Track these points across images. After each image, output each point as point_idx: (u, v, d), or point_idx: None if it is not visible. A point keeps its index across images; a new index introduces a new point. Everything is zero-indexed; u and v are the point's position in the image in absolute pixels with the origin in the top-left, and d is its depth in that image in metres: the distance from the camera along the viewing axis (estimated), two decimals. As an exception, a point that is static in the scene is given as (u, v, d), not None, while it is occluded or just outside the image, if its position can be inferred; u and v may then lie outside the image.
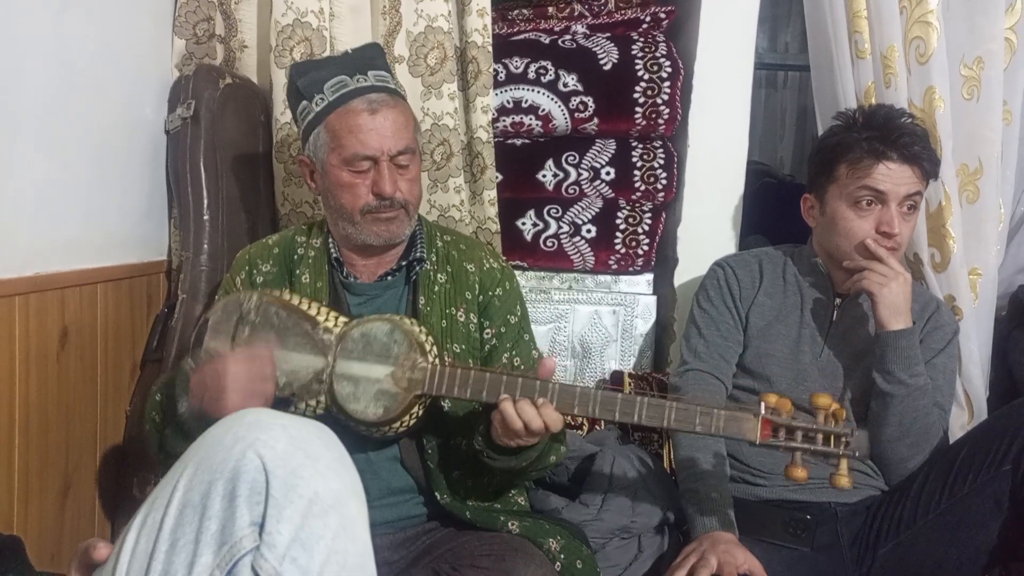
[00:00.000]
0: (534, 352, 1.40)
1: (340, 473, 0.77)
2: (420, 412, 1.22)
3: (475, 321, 1.35)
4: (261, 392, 1.14)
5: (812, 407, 1.14)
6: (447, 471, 1.29)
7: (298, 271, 1.35)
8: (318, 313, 1.24)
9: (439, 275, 1.36)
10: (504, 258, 1.51)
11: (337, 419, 1.20)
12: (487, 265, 1.39)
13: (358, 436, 1.23)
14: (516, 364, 1.35)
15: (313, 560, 0.70)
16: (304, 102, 1.31)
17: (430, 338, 1.23)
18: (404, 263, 1.35)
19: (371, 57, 1.34)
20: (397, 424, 1.20)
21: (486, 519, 1.26)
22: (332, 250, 1.35)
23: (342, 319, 1.24)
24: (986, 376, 1.77)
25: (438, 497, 1.27)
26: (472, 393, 1.17)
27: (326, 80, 1.28)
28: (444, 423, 1.30)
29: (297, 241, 1.39)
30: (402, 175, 1.30)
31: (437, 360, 1.20)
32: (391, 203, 1.28)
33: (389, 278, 1.36)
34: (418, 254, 1.35)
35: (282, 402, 1.18)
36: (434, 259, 1.37)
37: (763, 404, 1.12)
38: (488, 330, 1.35)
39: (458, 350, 1.32)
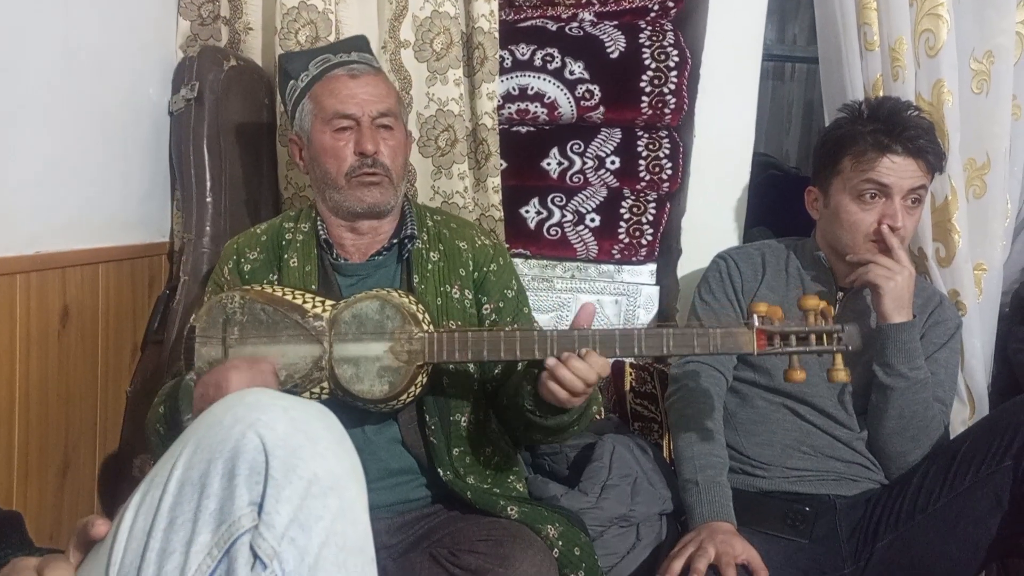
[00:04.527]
0: (535, 325, 1.42)
1: (340, 455, 0.77)
2: (424, 380, 1.22)
3: (470, 298, 1.36)
4: None
5: (800, 309, 1.17)
6: (449, 448, 1.29)
7: (286, 256, 1.34)
8: (304, 301, 1.23)
9: (432, 253, 1.36)
10: (496, 235, 1.50)
11: (344, 402, 1.20)
12: (479, 242, 1.40)
13: (357, 417, 1.24)
14: None
15: (311, 541, 0.70)
16: (291, 82, 1.36)
17: (420, 306, 1.23)
18: (395, 241, 1.36)
19: (356, 43, 1.40)
20: (404, 396, 1.21)
21: (486, 501, 1.26)
22: (321, 231, 1.35)
23: (329, 303, 1.23)
24: (988, 371, 1.77)
25: (441, 474, 1.27)
26: (473, 354, 1.18)
27: (311, 59, 1.35)
28: (445, 398, 1.30)
29: (285, 227, 1.39)
30: (385, 139, 1.32)
31: (431, 327, 1.21)
32: (373, 163, 1.30)
33: (379, 257, 1.36)
34: (410, 231, 1.36)
35: None
36: (426, 238, 1.37)
37: (755, 315, 1.16)
38: (487, 306, 1.36)
39: (454, 327, 1.32)
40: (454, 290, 1.34)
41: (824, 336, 1.16)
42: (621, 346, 1.16)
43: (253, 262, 1.36)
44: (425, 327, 1.20)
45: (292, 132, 1.38)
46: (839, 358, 1.16)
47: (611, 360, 1.17)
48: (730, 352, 1.17)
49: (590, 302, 1.20)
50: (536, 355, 1.16)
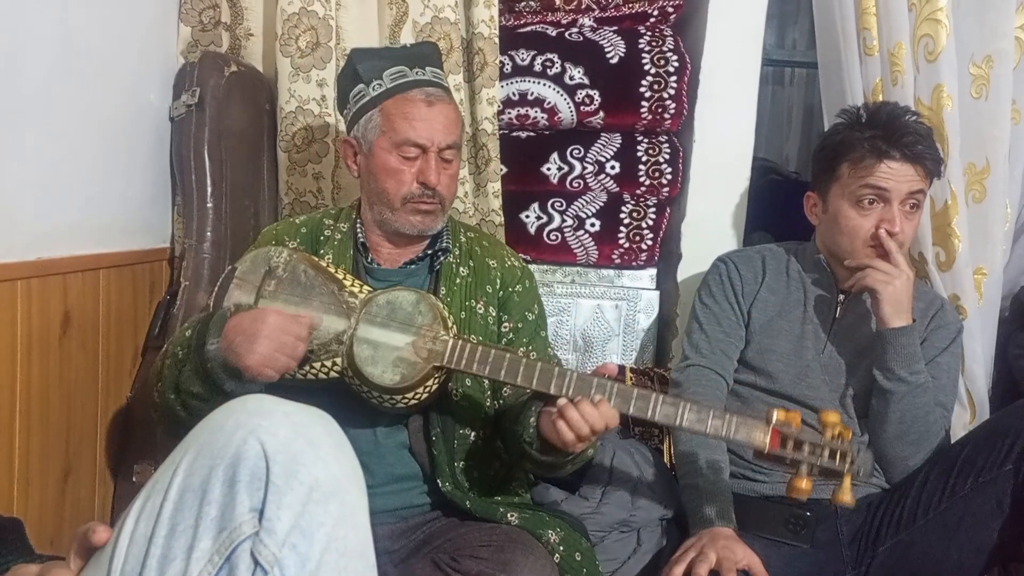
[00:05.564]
0: (550, 349, 1.44)
1: (340, 460, 0.77)
2: (435, 386, 1.23)
3: (493, 315, 1.37)
4: (292, 348, 1.16)
5: (820, 423, 1.15)
6: (451, 460, 1.29)
7: (322, 251, 1.37)
8: (344, 278, 1.27)
9: (461, 268, 1.38)
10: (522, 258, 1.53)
11: (351, 383, 1.21)
12: (508, 263, 1.43)
13: (368, 420, 1.25)
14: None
15: (313, 547, 0.70)
16: (360, 85, 1.35)
17: (452, 317, 1.25)
18: (429, 252, 1.38)
19: (429, 54, 1.40)
20: (411, 394, 1.21)
21: (486, 510, 1.26)
22: (359, 234, 1.38)
23: (367, 287, 1.27)
24: (989, 376, 1.77)
25: (440, 485, 1.27)
26: (491, 371, 1.18)
27: (386, 68, 1.34)
28: (452, 411, 1.31)
29: (325, 223, 1.42)
30: (445, 169, 1.34)
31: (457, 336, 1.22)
32: (433, 194, 1.32)
33: (412, 266, 1.38)
34: (444, 244, 1.38)
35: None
36: (457, 252, 1.39)
37: (775, 414, 1.13)
38: (506, 324, 1.38)
39: (475, 341, 1.32)
40: (479, 305, 1.36)
41: (837, 455, 1.12)
42: (636, 405, 1.14)
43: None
44: (452, 333, 1.22)
45: (349, 136, 1.38)
46: (847, 481, 1.13)
47: (621, 412, 1.16)
48: (741, 442, 1.15)
49: (612, 364, 1.19)
50: (551, 389, 1.15)
